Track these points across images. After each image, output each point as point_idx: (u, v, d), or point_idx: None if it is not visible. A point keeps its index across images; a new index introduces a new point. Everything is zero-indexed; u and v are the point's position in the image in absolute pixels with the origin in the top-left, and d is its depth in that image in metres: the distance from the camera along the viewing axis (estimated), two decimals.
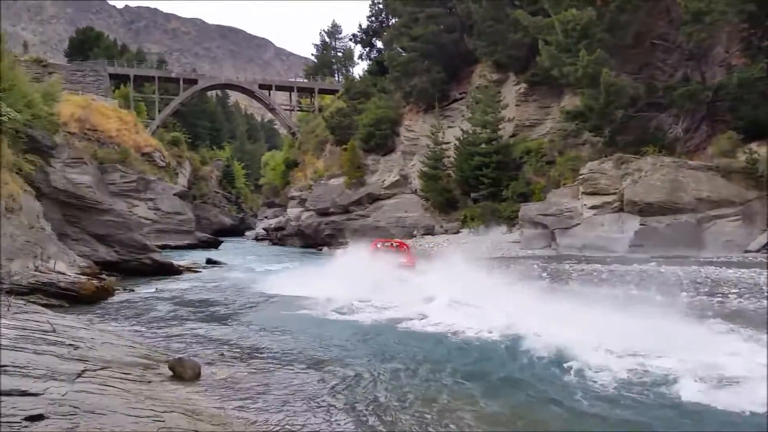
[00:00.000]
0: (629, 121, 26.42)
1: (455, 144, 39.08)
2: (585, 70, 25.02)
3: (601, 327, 10.70)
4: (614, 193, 24.51)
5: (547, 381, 8.83)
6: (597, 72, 24.55)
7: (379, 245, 26.17)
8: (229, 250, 48.04)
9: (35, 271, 16.67)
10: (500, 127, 36.46)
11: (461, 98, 43.07)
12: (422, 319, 13.68)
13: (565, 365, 9.34)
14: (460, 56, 42.49)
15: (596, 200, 25.08)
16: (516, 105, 36.98)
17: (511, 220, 32.37)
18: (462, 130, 38.59)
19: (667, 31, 26.57)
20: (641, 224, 23.27)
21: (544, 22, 28.65)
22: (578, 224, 25.54)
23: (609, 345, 9.97)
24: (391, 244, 26.99)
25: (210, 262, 33.85)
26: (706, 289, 15.05)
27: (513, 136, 37.11)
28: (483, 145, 36.24)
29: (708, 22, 22.90)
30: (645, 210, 23.34)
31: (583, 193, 25.75)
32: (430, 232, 40.10)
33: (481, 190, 36.03)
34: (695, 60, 25.67)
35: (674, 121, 26.04)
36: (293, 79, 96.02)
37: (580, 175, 26.07)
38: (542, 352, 10.11)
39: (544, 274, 18.74)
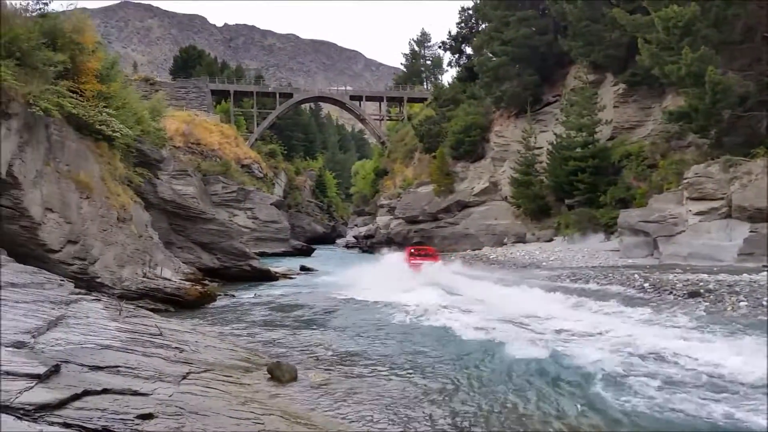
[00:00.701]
0: (737, 121, 24.70)
1: (548, 149, 38.02)
2: (689, 69, 23.68)
3: None
4: (722, 198, 22.98)
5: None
6: (702, 70, 23.15)
7: (412, 250, 31.37)
8: (321, 258, 49.20)
9: (143, 277, 17.69)
10: (597, 130, 35.11)
11: (554, 101, 41.94)
12: (494, 326, 13.30)
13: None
14: (553, 58, 41.49)
15: (702, 206, 23.58)
16: (614, 107, 35.49)
17: (609, 228, 31.06)
18: (555, 134, 37.49)
19: None
20: (751, 231, 21.57)
21: (643, 20, 27.47)
22: (683, 231, 24.11)
23: None
24: (423, 249, 32.51)
25: (303, 268, 34.83)
26: None
27: (611, 139, 35.62)
28: (578, 149, 34.93)
29: None
30: (755, 216, 21.68)
31: (688, 198, 24.31)
32: (521, 240, 39.21)
33: (576, 196, 34.78)
34: None
35: None
36: (383, 89, 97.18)
37: (685, 179, 24.63)
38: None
39: (646, 285, 17.78)
